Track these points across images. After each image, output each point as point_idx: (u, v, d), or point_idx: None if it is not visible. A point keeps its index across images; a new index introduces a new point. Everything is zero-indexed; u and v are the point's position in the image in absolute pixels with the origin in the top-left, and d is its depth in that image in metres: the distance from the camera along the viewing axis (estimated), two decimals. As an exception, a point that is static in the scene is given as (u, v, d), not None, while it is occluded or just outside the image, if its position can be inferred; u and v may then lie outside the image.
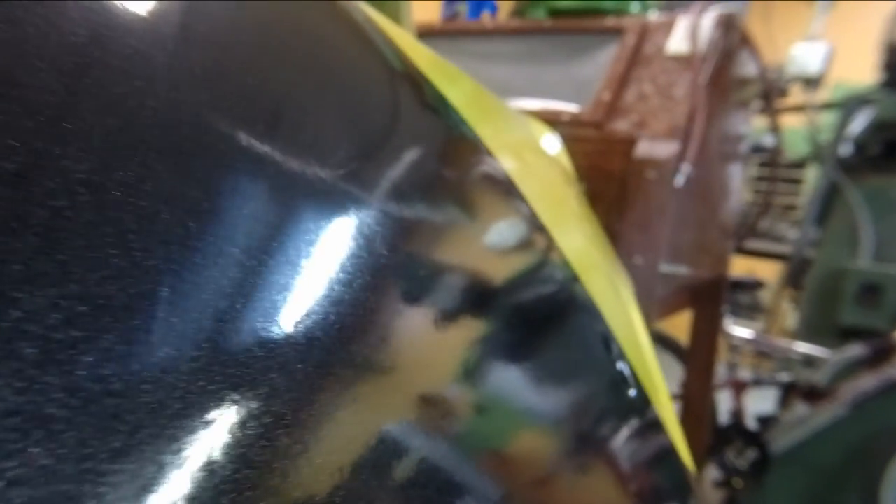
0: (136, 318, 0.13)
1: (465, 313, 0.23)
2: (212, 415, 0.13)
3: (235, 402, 0.14)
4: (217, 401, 0.14)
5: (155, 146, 0.16)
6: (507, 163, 0.34)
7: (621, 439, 0.32)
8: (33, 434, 0.11)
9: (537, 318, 0.28)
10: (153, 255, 0.14)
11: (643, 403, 0.37)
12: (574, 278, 0.33)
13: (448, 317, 0.22)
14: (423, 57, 0.35)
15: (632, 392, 0.35)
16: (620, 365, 0.35)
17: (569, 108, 0.97)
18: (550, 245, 0.33)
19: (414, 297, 0.21)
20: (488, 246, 0.27)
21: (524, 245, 0.30)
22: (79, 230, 0.13)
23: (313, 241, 0.18)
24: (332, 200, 0.20)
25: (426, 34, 1.12)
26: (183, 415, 0.13)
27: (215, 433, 0.13)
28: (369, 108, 0.24)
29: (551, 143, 0.66)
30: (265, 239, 0.17)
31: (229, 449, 0.13)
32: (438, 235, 0.24)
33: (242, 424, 0.14)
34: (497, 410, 0.24)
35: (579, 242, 0.43)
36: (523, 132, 0.58)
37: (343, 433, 0.17)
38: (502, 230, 0.29)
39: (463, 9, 1.21)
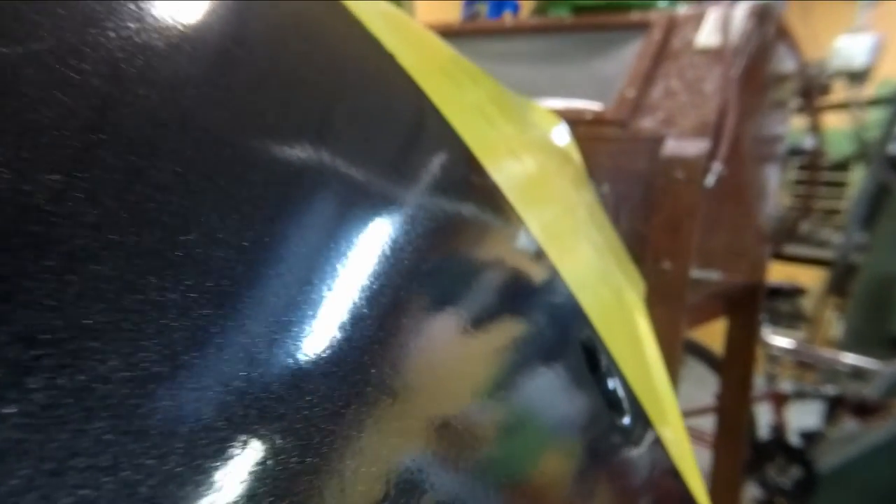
0: (181, 352, 0.13)
1: (469, 334, 0.23)
2: (249, 445, 0.14)
3: (267, 435, 0.14)
4: (252, 432, 0.14)
5: (199, 170, 0.16)
6: (507, 174, 0.33)
7: (607, 463, 0.28)
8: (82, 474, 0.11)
9: (526, 337, 0.25)
10: (200, 287, 0.14)
11: (640, 424, 0.33)
12: (568, 295, 0.30)
13: (456, 337, 0.22)
14: (438, 56, 0.34)
15: (623, 413, 0.31)
16: (612, 384, 0.31)
17: (591, 106, 0.93)
18: (545, 263, 0.30)
19: (427, 318, 0.21)
20: (481, 266, 0.25)
21: (517, 265, 0.28)
22: (125, 265, 0.13)
23: (342, 266, 0.18)
24: (357, 226, 0.20)
25: (445, 35, 1.10)
26: (220, 449, 0.13)
27: (252, 461, 0.13)
28: (374, 127, 0.24)
29: (561, 135, 0.62)
30: (302, 268, 0.17)
31: (262, 478, 0.13)
32: (442, 255, 0.23)
33: (274, 456, 0.14)
34: (503, 432, 0.22)
35: (582, 255, 0.40)
36: (538, 133, 0.55)
37: (373, 460, 0.16)
38: (495, 249, 0.26)
39: (483, 9, 1.18)
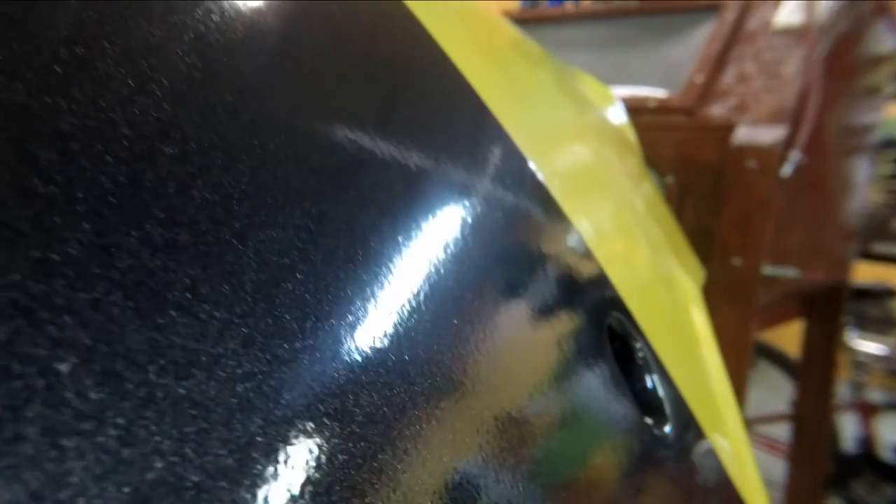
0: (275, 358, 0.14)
1: (520, 331, 0.22)
2: (317, 439, 0.14)
3: (332, 431, 0.14)
4: (319, 427, 0.14)
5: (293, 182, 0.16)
6: (560, 165, 0.32)
7: (636, 474, 0.25)
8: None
9: (568, 338, 0.24)
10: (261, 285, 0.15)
11: (688, 432, 0.30)
12: (613, 297, 0.28)
13: (510, 334, 0.22)
14: (497, 43, 0.33)
15: (664, 418, 0.28)
16: (651, 382, 0.28)
17: (657, 93, 0.88)
18: (587, 259, 0.28)
19: (465, 316, 0.21)
20: (512, 264, 0.24)
21: (553, 262, 0.26)
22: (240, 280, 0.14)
23: (407, 263, 0.18)
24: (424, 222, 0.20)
25: (505, 24, 1.08)
26: (286, 443, 0.13)
27: (319, 455, 0.14)
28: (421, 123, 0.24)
29: (617, 113, 0.60)
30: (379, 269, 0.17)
31: (329, 470, 0.14)
32: (472, 256, 0.22)
33: (339, 450, 0.14)
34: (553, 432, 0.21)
35: (634, 252, 0.38)
36: (600, 118, 0.53)
37: (434, 459, 0.17)
38: (530, 246, 0.25)
39: (544, -4, 1.15)
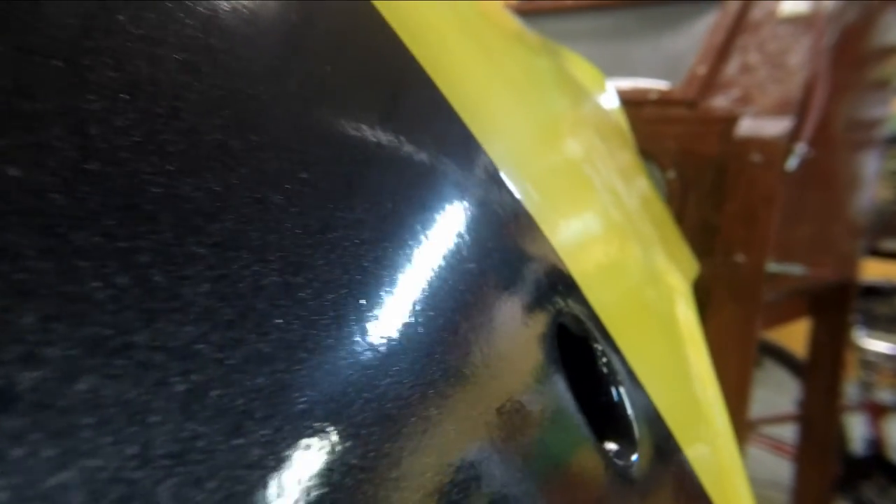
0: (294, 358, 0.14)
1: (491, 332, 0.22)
2: (323, 432, 0.14)
3: (333, 435, 0.14)
4: (319, 428, 0.14)
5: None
6: (543, 167, 0.31)
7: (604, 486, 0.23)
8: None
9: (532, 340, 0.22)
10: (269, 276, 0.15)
11: (663, 453, 0.27)
12: (573, 295, 0.25)
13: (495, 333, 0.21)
14: (487, 37, 0.33)
15: (631, 442, 0.25)
16: (617, 394, 0.25)
17: (658, 85, 0.86)
18: (548, 259, 0.26)
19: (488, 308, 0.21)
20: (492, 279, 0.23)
21: (507, 257, 0.24)
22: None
23: (416, 255, 0.18)
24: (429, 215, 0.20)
25: (504, 17, 1.06)
26: (293, 435, 0.13)
27: (324, 447, 0.14)
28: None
29: (608, 99, 0.57)
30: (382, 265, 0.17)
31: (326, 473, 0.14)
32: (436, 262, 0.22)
33: (346, 441, 0.14)
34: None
35: (622, 260, 0.36)
36: (596, 107, 0.51)
37: (435, 451, 0.16)
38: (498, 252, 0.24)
39: (544, -13, 1.12)
